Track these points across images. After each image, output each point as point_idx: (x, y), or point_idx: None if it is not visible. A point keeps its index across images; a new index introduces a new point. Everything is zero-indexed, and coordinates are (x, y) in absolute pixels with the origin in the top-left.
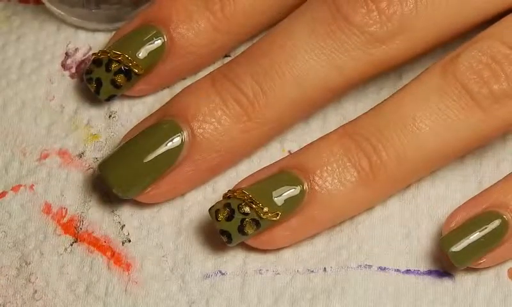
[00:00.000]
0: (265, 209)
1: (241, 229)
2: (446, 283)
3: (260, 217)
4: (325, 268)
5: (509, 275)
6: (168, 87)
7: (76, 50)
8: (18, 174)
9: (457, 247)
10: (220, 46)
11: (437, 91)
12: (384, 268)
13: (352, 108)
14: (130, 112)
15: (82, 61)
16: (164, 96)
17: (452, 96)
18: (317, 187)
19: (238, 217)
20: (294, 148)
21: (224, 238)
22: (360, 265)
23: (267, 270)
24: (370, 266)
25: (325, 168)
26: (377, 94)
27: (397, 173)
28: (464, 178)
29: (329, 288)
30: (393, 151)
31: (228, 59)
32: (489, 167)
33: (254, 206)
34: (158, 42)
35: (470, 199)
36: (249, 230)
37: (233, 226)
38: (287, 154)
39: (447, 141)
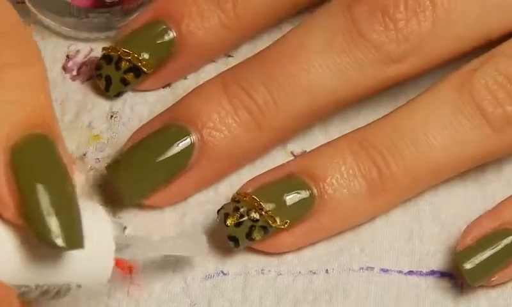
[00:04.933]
0: (277, 219)
1: (249, 235)
2: (449, 283)
3: (269, 225)
4: (327, 270)
5: None
6: (170, 86)
7: (77, 52)
8: None
9: (471, 264)
10: (228, 43)
11: (451, 108)
12: (387, 270)
13: (355, 110)
14: (132, 112)
15: (83, 63)
16: (166, 95)
17: (466, 114)
18: (326, 196)
19: (247, 223)
20: (296, 148)
21: (232, 244)
22: (362, 268)
23: (269, 271)
24: (372, 268)
25: (336, 177)
26: (379, 96)
27: (405, 185)
28: (466, 179)
29: (331, 290)
30: (403, 164)
31: (231, 59)
32: (492, 169)
33: (264, 213)
34: (168, 40)
35: (483, 215)
36: (257, 236)
37: (242, 232)
38: (290, 155)
39: (457, 157)
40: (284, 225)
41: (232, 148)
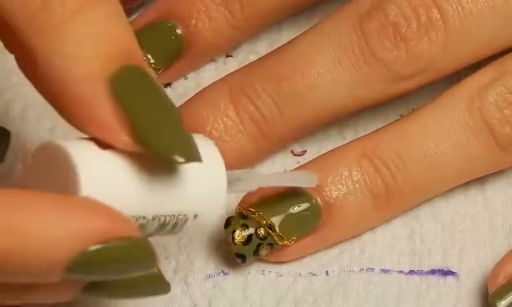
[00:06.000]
0: (284, 237)
1: (256, 252)
2: (450, 282)
3: (276, 242)
4: (327, 271)
5: None
6: (170, 85)
7: None
8: None
9: (506, 303)
10: (233, 43)
11: (461, 125)
12: (387, 271)
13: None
14: None
15: None
16: None
17: (475, 131)
18: (332, 211)
19: (255, 241)
20: (296, 148)
21: (239, 260)
22: (363, 269)
23: (270, 271)
24: (372, 269)
25: (343, 192)
26: None
27: (411, 200)
28: None
29: (331, 291)
30: (410, 180)
31: (230, 58)
32: None
33: (272, 232)
34: (176, 41)
35: (509, 253)
36: (264, 252)
37: (249, 249)
38: (290, 154)
39: (463, 172)
40: (291, 242)
41: (237, 157)
